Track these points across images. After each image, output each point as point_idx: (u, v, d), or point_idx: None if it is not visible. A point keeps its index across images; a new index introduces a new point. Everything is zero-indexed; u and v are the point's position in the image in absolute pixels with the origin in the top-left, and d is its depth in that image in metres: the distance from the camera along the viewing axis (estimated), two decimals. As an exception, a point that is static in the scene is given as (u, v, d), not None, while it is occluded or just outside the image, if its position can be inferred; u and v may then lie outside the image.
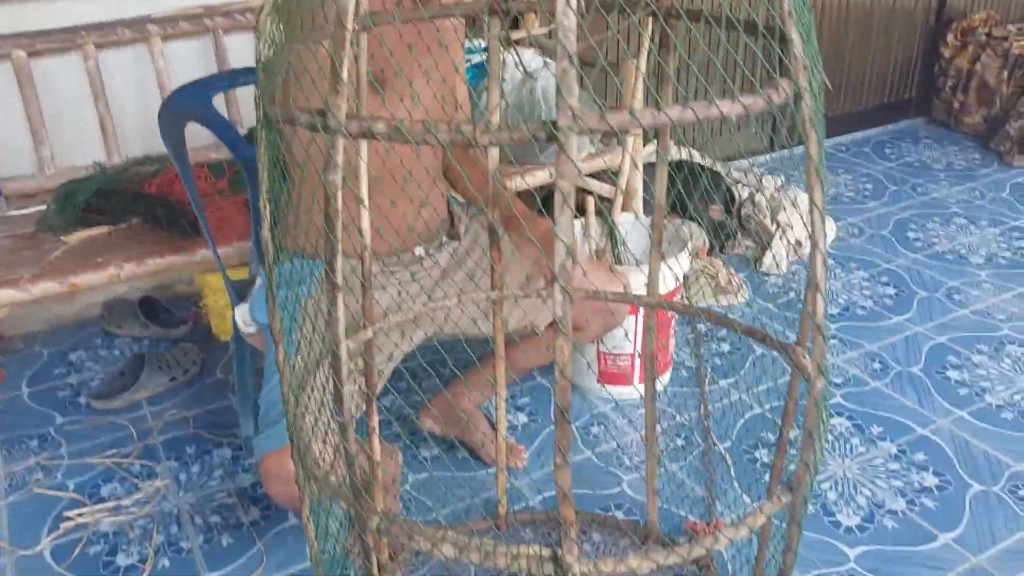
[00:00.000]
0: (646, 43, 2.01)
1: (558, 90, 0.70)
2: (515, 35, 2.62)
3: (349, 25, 0.79)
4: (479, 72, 2.34)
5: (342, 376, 0.88)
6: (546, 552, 0.83)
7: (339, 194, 0.82)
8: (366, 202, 1.05)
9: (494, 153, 1.32)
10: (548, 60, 2.43)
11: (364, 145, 1.10)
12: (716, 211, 2.92)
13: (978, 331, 2.29)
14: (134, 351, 2.28)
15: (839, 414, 1.98)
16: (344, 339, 0.87)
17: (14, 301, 1.81)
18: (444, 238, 1.59)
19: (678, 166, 2.94)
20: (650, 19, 1.15)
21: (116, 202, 2.02)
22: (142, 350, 2.28)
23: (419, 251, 1.56)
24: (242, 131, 2.42)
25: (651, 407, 1.47)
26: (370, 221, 1.42)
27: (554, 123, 0.71)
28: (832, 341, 2.27)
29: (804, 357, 1.03)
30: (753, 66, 0.81)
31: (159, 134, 2.34)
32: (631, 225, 2.18)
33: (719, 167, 3.14)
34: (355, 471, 0.89)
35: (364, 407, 1.26)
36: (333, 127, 0.79)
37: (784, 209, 2.81)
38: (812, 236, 0.90)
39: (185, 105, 1.65)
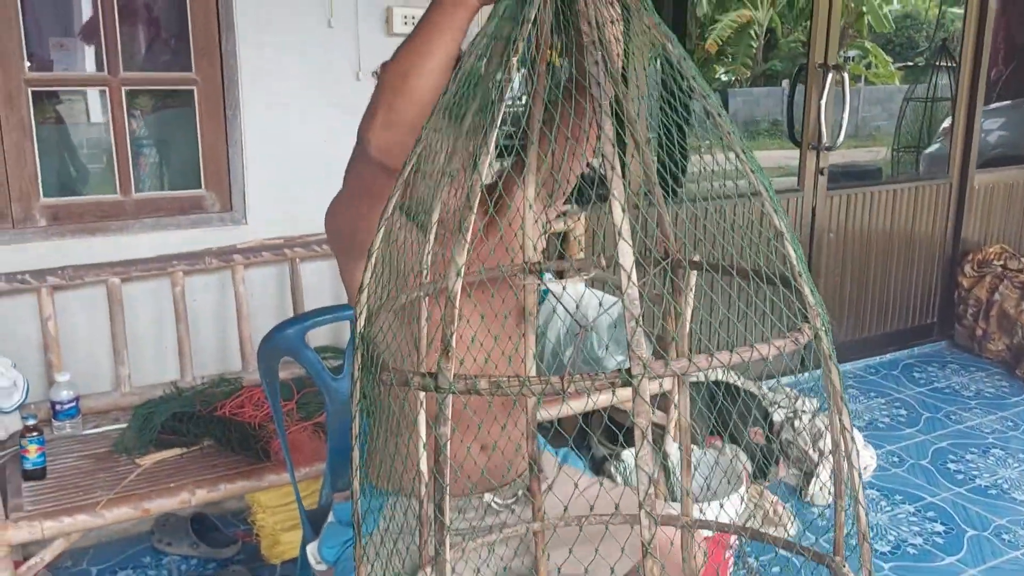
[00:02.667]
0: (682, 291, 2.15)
1: (628, 343, 0.82)
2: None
3: (457, 304, 0.90)
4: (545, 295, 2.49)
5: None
6: None
7: (448, 445, 0.90)
8: (422, 450, 1.10)
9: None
10: (594, 290, 2.58)
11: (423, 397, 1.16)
12: (757, 435, 2.96)
13: (1035, 577, 2.28)
14: (182, 571, 2.27)
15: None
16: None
17: (87, 527, 1.83)
18: (520, 492, 1.60)
19: (716, 384, 3.02)
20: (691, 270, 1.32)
21: (191, 424, 2.09)
22: (190, 570, 2.26)
23: (488, 498, 1.57)
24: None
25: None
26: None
27: (628, 371, 0.83)
28: (888, 583, 2.25)
29: (844, 566, 1.06)
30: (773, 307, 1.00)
31: (232, 354, 2.45)
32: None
33: (754, 388, 3.22)
34: None
35: None
36: (444, 387, 0.89)
37: (823, 436, 2.86)
38: (846, 455, 0.98)
39: (283, 344, 1.75)
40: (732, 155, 0.99)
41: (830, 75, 3.39)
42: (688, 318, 1.32)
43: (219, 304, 2.42)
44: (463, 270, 0.91)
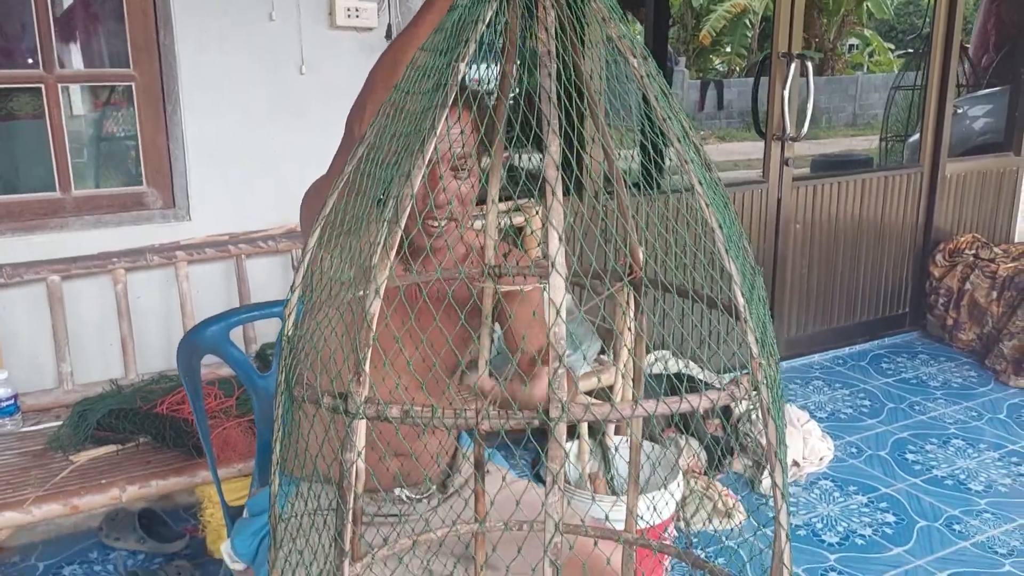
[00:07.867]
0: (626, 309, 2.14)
1: (550, 382, 0.80)
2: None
3: (374, 326, 0.88)
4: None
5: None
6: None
7: (353, 470, 0.88)
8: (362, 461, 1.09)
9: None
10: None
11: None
12: (713, 426, 2.96)
13: (980, 567, 2.26)
14: (128, 566, 2.28)
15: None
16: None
17: (16, 524, 1.84)
18: (434, 488, 1.59)
19: (677, 377, 3.01)
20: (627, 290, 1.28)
21: (127, 421, 2.09)
22: (136, 565, 2.27)
23: (398, 492, 1.55)
24: (255, 347, 2.53)
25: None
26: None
27: (546, 411, 0.81)
28: (831, 575, 2.24)
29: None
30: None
31: (176, 354, 2.45)
32: (625, 448, 2.22)
33: (715, 379, 3.21)
34: None
35: None
36: (352, 411, 0.87)
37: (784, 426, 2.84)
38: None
39: (204, 341, 1.75)
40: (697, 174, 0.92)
41: (793, 64, 3.36)
42: (646, 331, 1.29)
43: (163, 302, 2.43)
44: (382, 289, 0.86)
